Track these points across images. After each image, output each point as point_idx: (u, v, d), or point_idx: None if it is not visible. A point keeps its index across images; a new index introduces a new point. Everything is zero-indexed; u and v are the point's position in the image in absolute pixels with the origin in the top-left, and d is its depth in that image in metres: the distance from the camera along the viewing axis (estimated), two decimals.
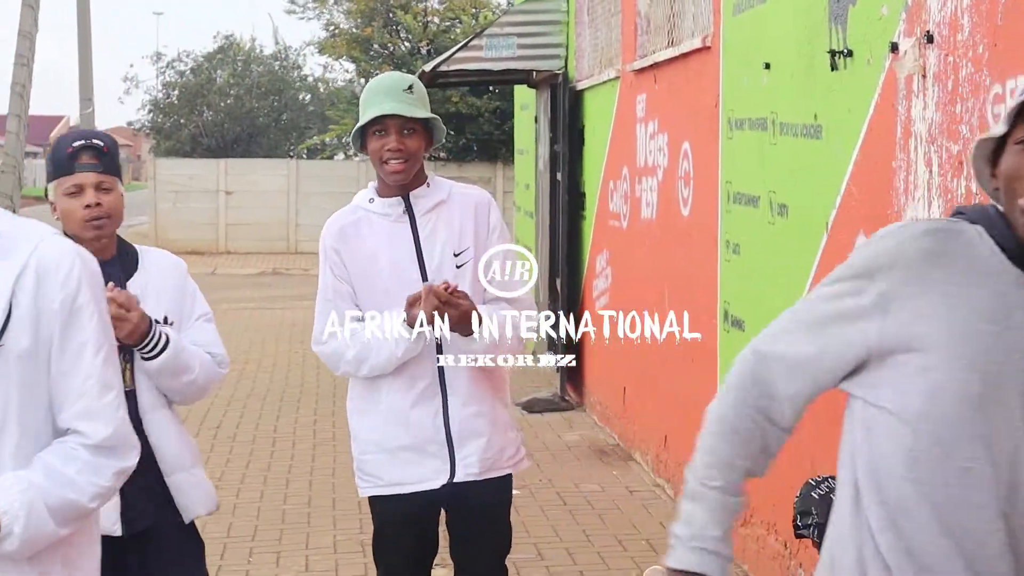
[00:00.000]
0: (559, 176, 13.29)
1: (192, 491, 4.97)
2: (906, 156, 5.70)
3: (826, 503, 5.64)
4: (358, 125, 5.19)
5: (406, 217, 5.25)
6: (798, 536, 5.87)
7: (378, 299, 5.19)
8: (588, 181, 12.92)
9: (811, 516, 5.70)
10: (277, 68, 57.76)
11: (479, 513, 5.35)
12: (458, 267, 5.20)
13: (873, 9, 6.06)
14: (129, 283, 4.88)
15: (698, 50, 8.92)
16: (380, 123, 5.14)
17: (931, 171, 5.46)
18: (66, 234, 4.68)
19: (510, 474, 5.44)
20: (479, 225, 5.29)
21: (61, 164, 4.81)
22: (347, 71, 47.26)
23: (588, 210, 12.77)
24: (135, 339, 4.70)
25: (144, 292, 4.86)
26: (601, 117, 12.25)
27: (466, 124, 33.99)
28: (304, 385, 15.06)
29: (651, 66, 10.20)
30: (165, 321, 4.90)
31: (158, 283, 4.96)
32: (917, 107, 5.59)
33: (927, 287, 2.92)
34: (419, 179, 5.28)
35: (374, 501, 5.41)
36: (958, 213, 3.07)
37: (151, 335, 4.76)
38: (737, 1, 8.07)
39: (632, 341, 10.59)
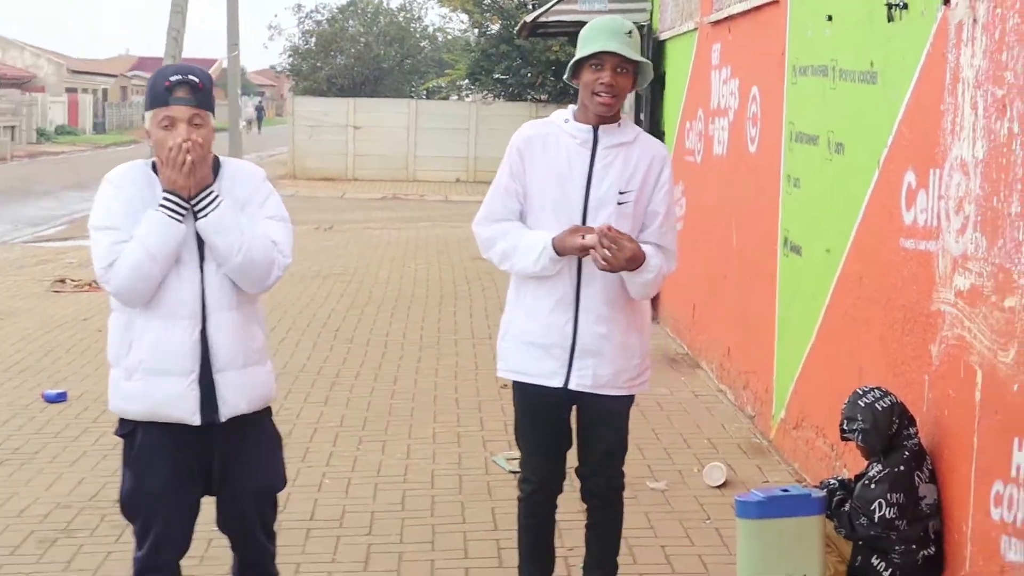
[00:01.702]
0: (642, 116, 13.12)
1: (235, 389, 4.73)
2: (954, 100, 5.50)
3: (871, 411, 5.53)
4: (578, 56, 5.09)
5: (590, 145, 5.16)
6: (843, 439, 5.76)
7: (542, 206, 5.17)
8: (668, 121, 12.77)
9: (856, 422, 5.60)
10: (401, 19, 58.19)
11: (594, 419, 5.33)
12: (619, 204, 5.13)
13: None
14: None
15: (768, 4, 8.76)
16: (599, 58, 5.03)
17: (976, 113, 5.27)
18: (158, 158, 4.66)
19: (627, 395, 5.35)
20: (650, 175, 5.20)
21: (158, 96, 4.63)
22: (462, 22, 47.41)
23: (667, 145, 12.58)
24: (196, 187, 4.58)
25: (221, 196, 4.68)
26: (680, 64, 12.10)
27: (564, 70, 33.70)
28: (415, 296, 15.03)
29: (726, 18, 10.04)
30: None
31: (235, 189, 4.76)
32: (966, 55, 5.39)
33: None
34: (614, 117, 5.20)
35: (513, 386, 5.38)
36: None
37: (207, 190, 4.61)
38: None
39: (699, 265, 10.59)
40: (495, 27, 40.32)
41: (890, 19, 6.26)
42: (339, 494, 7.42)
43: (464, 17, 45.24)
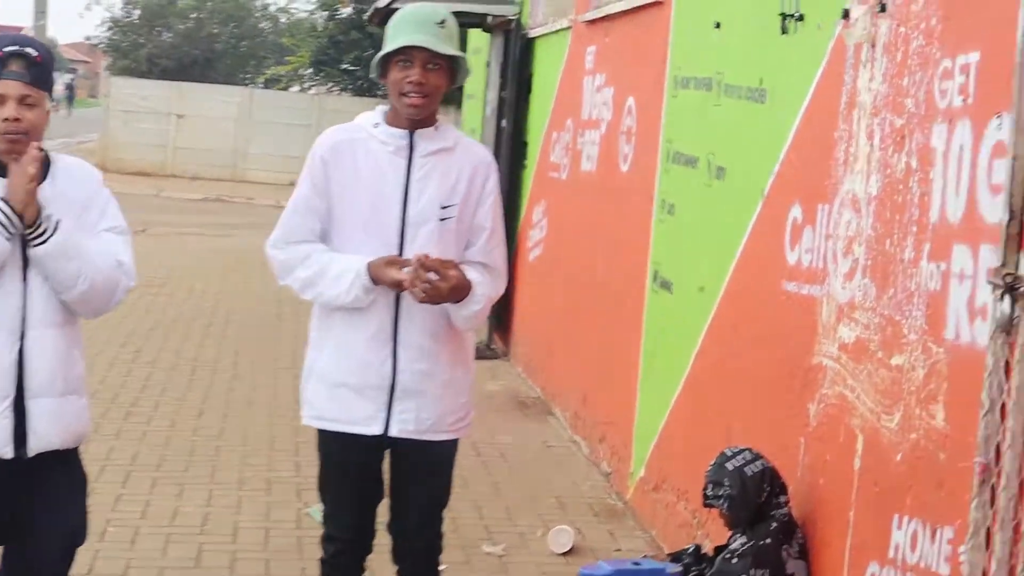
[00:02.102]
0: (503, 123, 13.09)
1: (49, 420, 4.61)
2: (848, 127, 5.52)
3: (739, 475, 5.52)
4: (382, 52, 4.99)
5: (405, 153, 5.06)
6: (706, 505, 5.75)
7: (354, 227, 5.05)
8: (532, 130, 12.74)
9: (722, 487, 5.58)
10: None
11: (416, 469, 5.24)
12: (441, 220, 5.03)
13: None
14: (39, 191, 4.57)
15: (651, 4, 8.73)
16: (406, 53, 4.94)
17: (872, 144, 5.29)
18: None
19: (454, 439, 5.30)
20: (474, 186, 5.12)
21: None
22: (309, 2, 47.09)
23: (530, 159, 12.62)
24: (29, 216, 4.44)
25: (53, 201, 4.56)
26: (550, 66, 12.07)
27: None
28: (231, 314, 14.85)
29: (604, 18, 10.01)
30: None
31: (69, 192, 4.67)
32: (864, 77, 5.41)
33: None
34: (429, 120, 5.10)
35: (318, 433, 5.25)
36: None
37: (39, 218, 4.47)
38: None
39: (557, 298, 10.57)
40: (346, 11, 40.06)
41: (784, 31, 6.25)
42: (123, 546, 7.23)
43: (311, 1, 45.07)
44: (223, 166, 38.94)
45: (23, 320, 4.55)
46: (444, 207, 5.04)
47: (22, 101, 4.48)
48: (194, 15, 55.45)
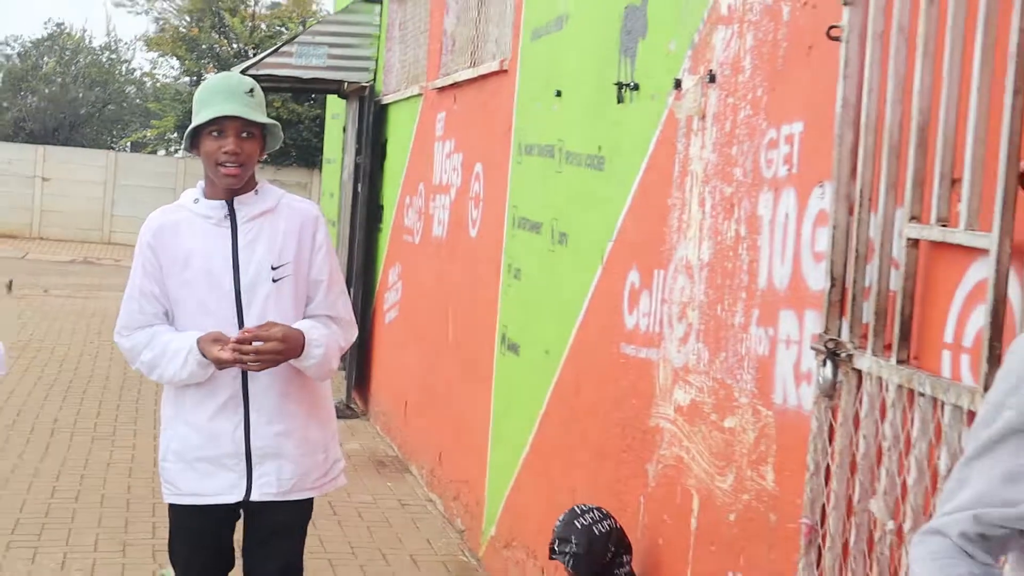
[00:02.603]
0: (359, 187, 13.06)
1: None
2: (681, 194, 5.53)
3: (586, 534, 5.48)
4: (194, 124, 4.89)
5: (228, 222, 4.97)
6: (551, 558, 5.69)
7: (191, 304, 4.95)
8: (387, 194, 12.72)
9: (569, 544, 5.54)
10: (104, 59, 57.05)
11: (271, 531, 5.12)
12: (274, 280, 4.95)
13: (661, 44, 5.89)
14: None
15: (496, 72, 8.73)
16: (218, 124, 4.85)
17: (704, 211, 5.30)
18: None
19: (311, 497, 5.19)
20: (303, 241, 5.03)
21: None
22: (173, 68, 46.99)
23: (385, 223, 12.58)
24: None
25: None
26: (403, 132, 12.06)
27: (286, 129, 33.49)
28: (93, 376, 14.62)
29: (452, 85, 10.00)
30: None
31: None
32: (695, 146, 5.43)
33: None
34: (248, 185, 5.01)
35: (170, 506, 5.14)
36: None
37: None
38: (535, 27, 7.89)
39: (413, 358, 10.54)
40: (210, 75, 39.97)
41: (620, 100, 6.27)
42: None
43: (175, 63, 44.92)
44: (90, 228, 38.56)
45: None
46: (275, 267, 4.97)
47: None
48: (59, 79, 54.86)
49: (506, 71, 8.48)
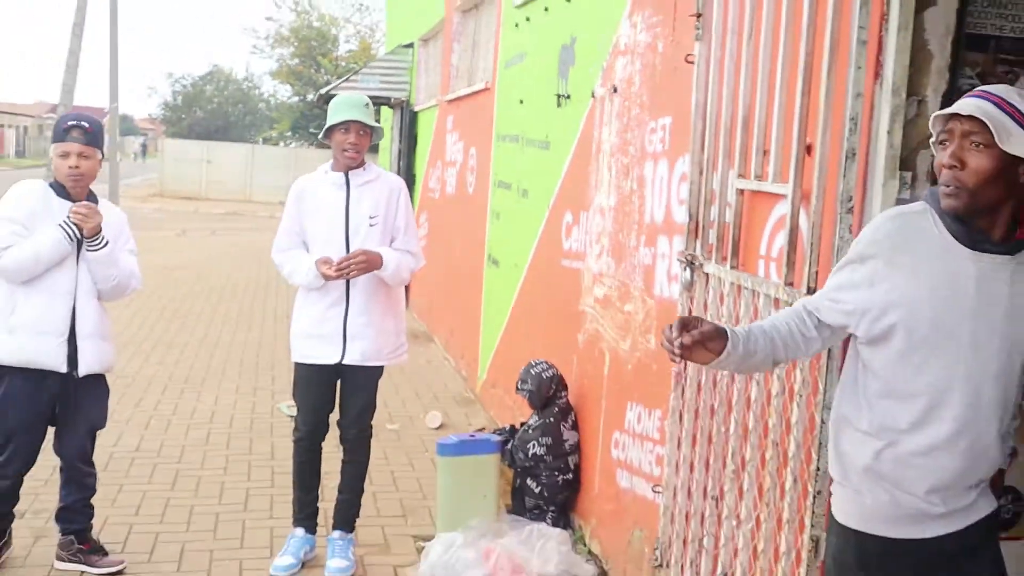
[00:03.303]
0: (401, 164, 12.89)
1: (93, 355, 4.56)
2: (597, 164, 5.42)
3: (537, 378, 5.41)
4: (331, 122, 4.79)
5: (344, 187, 4.86)
6: (516, 392, 5.63)
7: (316, 235, 4.85)
8: (418, 168, 12.50)
9: (527, 384, 5.48)
10: (244, 86, 56.69)
11: (355, 384, 4.99)
12: (371, 225, 4.84)
13: (583, 69, 5.78)
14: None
15: (483, 90, 8.59)
16: (346, 124, 4.77)
17: (611, 173, 5.19)
18: (56, 180, 4.51)
19: (383, 365, 5.07)
20: (391, 202, 4.92)
21: (58, 134, 4.47)
22: (287, 92, 46.96)
23: (417, 185, 12.42)
24: (91, 232, 4.43)
25: (105, 235, 4.54)
26: (427, 128, 11.86)
27: None
28: (236, 284, 14.47)
29: (457, 98, 9.84)
30: (105, 243, 4.52)
31: (109, 221, 4.57)
32: (606, 133, 5.32)
33: (896, 269, 2.41)
34: (360, 163, 4.90)
35: (296, 364, 5.00)
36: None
37: (100, 234, 4.47)
38: (507, 60, 7.77)
39: (435, 270, 10.45)
40: (311, 96, 39.78)
41: (559, 105, 6.16)
42: (159, 431, 6.99)
43: (288, 88, 44.97)
44: (238, 191, 38.42)
45: (75, 288, 4.49)
46: (372, 217, 4.84)
47: (80, 155, 4.44)
48: (216, 99, 54.56)
49: (489, 88, 8.33)
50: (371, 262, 4.74)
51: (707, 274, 3.88)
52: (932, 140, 2.45)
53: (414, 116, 12.79)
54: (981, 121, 2.30)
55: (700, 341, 2.40)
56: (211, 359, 9.35)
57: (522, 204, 7.05)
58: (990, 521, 2.45)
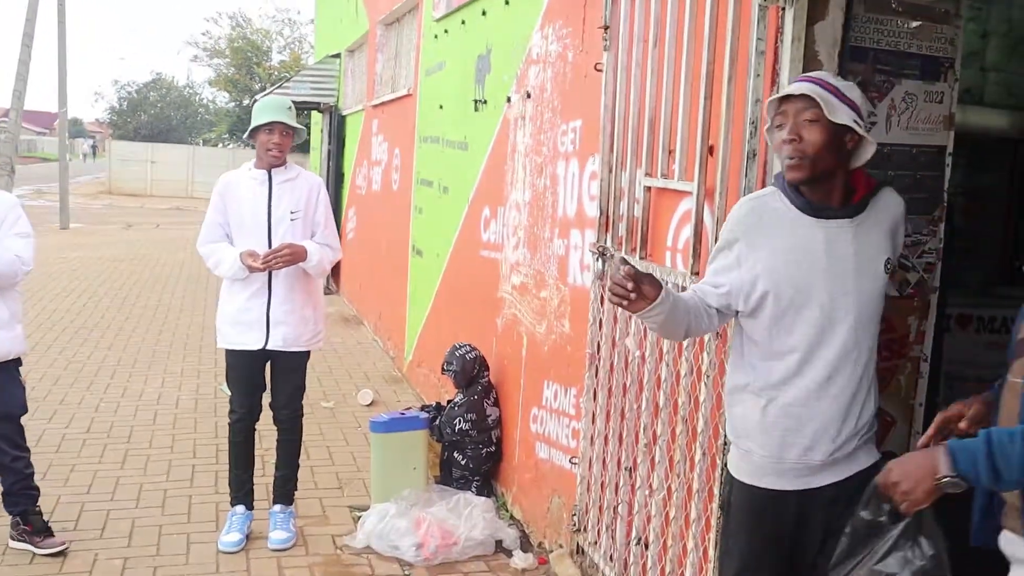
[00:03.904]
0: (331, 164, 12.59)
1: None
2: (513, 163, 5.28)
3: (462, 359, 5.26)
4: (255, 123, 4.54)
5: (266, 184, 4.60)
6: (442, 374, 5.47)
7: (240, 228, 4.59)
8: (347, 167, 12.18)
9: (452, 365, 5.32)
10: (186, 92, 55.34)
11: (284, 368, 4.75)
12: (292, 220, 4.59)
13: (499, 77, 5.62)
14: None
15: (405, 96, 8.37)
16: (271, 125, 4.52)
17: (526, 171, 5.05)
18: None
19: (306, 351, 4.80)
20: (311, 198, 4.66)
21: None
22: (224, 97, 46.10)
23: (346, 183, 12.14)
24: None
25: None
26: (354, 131, 11.55)
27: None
28: (180, 273, 14.00)
29: (381, 103, 9.60)
30: None
31: None
32: (520, 135, 5.18)
33: (757, 247, 2.47)
34: (281, 162, 4.64)
35: (226, 351, 4.74)
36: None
37: None
38: (428, 68, 7.55)
39: (363, 259, 10.20)
40: (246, 101, 39.06)
41: (476, 109, 6.00)
42: (110, 411, 6.67)
43: (226, 95, 44.18)
44: (180, 189, 37.52)
45: None
46: (292, 212, 4.60)
47: None
48: (159, 104, 53.18)
49: (411, 94, 8.11)
50: (296, 255, 4.53)
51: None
52: (767, 127, 2.52)
53: (342, 120, 12.47)
54: (810, 98, 2.40)
55: (640, 277, 2.38)
56: (156, 344, 8.99)
57: (443, 200, 6.86)
58: (871, 472, 2.39)
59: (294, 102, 4.82)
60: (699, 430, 3.06)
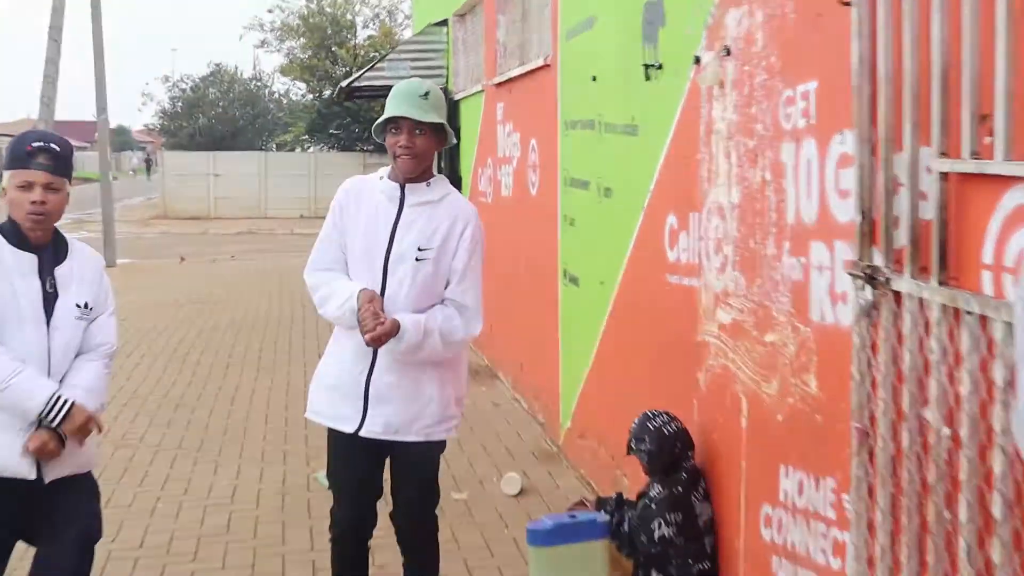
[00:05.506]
0: (443, 164, 12.38)
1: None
2: (708, 150, 4.83)
3: (658, 435, 4.79)
4: (379, 121, 4.34)
5: (397, 202, 4.34)
6: (629, 454, 4.99)
7: (354, 256, 4.37)
8: (464, 167, 12.05)
9: (644, 442, 4.84)
10: (252, 87, 57.03)
11: (402, 462, 4.44)
12: (417, 260, 4.28)
13: (679, 29, 5.22)
14: (58, 268, 4.01)
15: (541, 67, 8.13)
16: (395, 122, 4.28)
17: (731, 161, 4.59)
18: (10, 218, 3.94)
19: (431, 441, 4.42)
20: (452, 234, 4.33)
21: (19, 158, 3.90)
22: (300, 89, 47.21)
23: (464, 189, 11.91)
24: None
25: (70, 277, 4.03)
26: (472, 120, 11.42)
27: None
28: (256, 320, 13.97)
29: (507, 81, 9.44)
30: (86, 306, 4.04)
31: (82, 271, 4.08)
32: (718, 109, 4.74)
33: None
34: (423, 176, 4.37)
35: (327, 430, 4.49)
36: None
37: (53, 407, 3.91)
38: (570, 28, 7.30)
39: (494, 290, 9.88)
40: (328, 92, 39.83)
41: (647, 78, 5.61)
42: (168, 520, 6.42)
43: (302, 85, 45.16)
44: (251, 208, 38.53)
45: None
46: (421, 249, 4.28)
47: (47, 187, 3.89)
48: (221, 103, 54.84)
49: (550, 65, 7.86)
50: (387, 332, 4.17)
51: (897, 292, 3.21)
52: None
53: (455, 105, 12.30)
54: None
55: None
56: (229, 417, 8.84)
57: (605, 206, 6.51)
58: None
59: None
60: None
